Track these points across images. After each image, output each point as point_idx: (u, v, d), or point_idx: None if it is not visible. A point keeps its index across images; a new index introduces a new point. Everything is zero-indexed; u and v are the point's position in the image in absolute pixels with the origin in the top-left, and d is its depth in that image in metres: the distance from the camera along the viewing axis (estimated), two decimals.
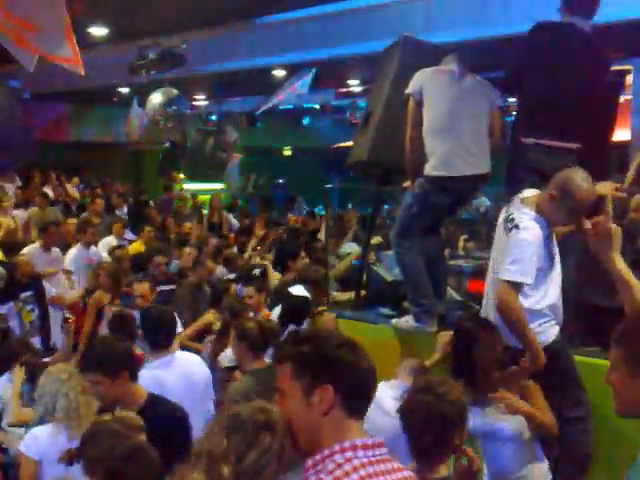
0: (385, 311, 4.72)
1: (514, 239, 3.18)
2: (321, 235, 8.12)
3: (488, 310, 3.42)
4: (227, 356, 4.50)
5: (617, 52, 5.81)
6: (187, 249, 7.00)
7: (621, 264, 2.28)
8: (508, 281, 3.12)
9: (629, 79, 7.45)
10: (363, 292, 5.08)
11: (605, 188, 3.62)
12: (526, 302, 3.20)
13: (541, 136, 3.94)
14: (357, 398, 1.62)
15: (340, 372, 1.58)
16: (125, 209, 10.95)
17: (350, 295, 5.25)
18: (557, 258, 3.37)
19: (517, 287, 3.13)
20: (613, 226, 2.30)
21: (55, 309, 6.15)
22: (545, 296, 3.28)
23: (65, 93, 13.96)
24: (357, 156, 4.80)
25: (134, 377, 3.07)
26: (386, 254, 5.22)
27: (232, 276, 6.46)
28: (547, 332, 3.29)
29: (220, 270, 6.77)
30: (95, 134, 17.01)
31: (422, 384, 2.54)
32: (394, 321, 4.42)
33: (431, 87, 4.11)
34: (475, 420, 3.00)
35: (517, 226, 3.18)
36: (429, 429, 2.35)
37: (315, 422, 1.58)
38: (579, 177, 3.19)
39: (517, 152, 4.06)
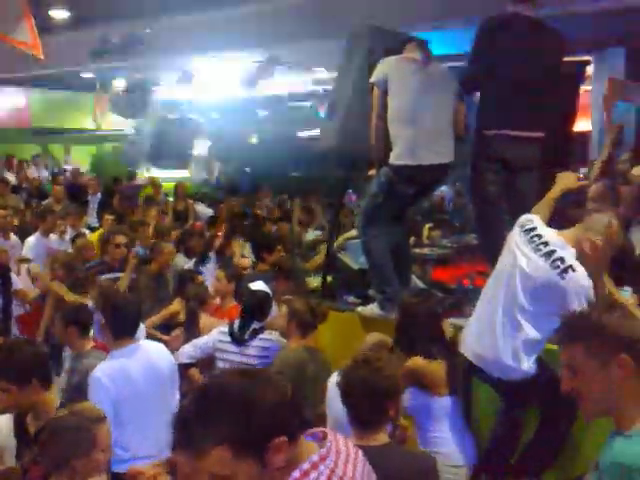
0: (351, 298, 4.75)
1: (575, 282, 3.08)
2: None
3: (477, 346, 3.32)
4: (186, 352, 4.48)
5: (580, 43, 5.88)
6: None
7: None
8: None
9: (589, 70, 7.58)
10: (329, 279, 5.10)
11: (567, 178, 3.70)
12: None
13: (504, 126, 4.00)
14: None
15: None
16: (99, 195, 10.77)
17: (317, 282, 5.27)
18: None
19: None
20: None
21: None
22: None
23: (27, 78, 13.65)
24: (324, 145, 4.80)
25: (46, 385, 2.85)
26: (352, 242, 5.24)
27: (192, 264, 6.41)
28: None
29: (182, 259, 6.67)
30: (57, 120, 16.68)
31: (360, 359, 2.67)
32: (359, 308, 4.46)
33: (395, 76, 4.13)
34: (411, 397, 3.33)
35: (573, 269, 3.09)
36: (365, 401, 2.49)
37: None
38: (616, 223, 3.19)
39: (480, 142, 4.11)
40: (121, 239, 5.83)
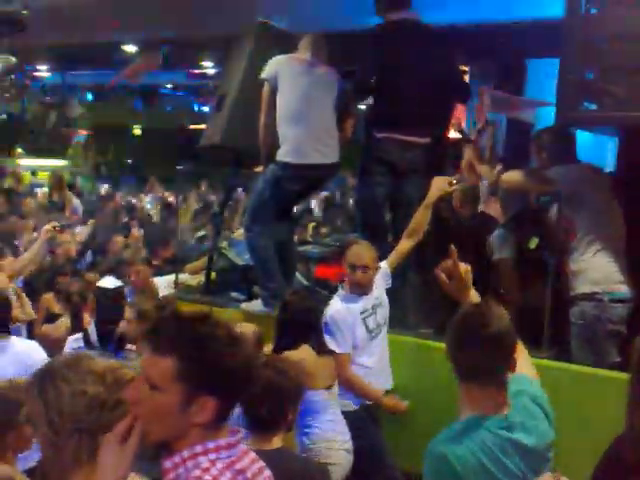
0: (235, 295, 4.74)
1: None
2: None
3: None
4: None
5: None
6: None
7: (477, 300, 2.21)
8: None
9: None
10: (213, 276, 5.07)
11: (439, 182, 3.90)
12: None
13: (393, 130, 4.14)
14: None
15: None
16: None
17: (200, 279, 5.22)
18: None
19: None
20: (463, 267, 2.20)
21: None
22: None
23: None
24: (210, 139, 4.76)
25: None
26: (237, 239, 5.23)
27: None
28: None
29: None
30: None
31: (263, 360, 2.67)
32: (243, 305, 4.47)
33: (285, 74, 4.17)
34: None
35: None
36: (266, 402, 2.45)
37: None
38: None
39: (370, 145, 4.24)
40: None
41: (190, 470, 1.46)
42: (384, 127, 4.18)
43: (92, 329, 3.98)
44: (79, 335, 4.04)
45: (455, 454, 1.83)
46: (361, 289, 3.65)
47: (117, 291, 4.12)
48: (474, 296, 2.22)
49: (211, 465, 1.47)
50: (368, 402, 3.66)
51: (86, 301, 4.86)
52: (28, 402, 1.78)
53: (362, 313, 3.64)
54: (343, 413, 3.51)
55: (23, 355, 3.52)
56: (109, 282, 4.17)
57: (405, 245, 3.90)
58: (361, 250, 3.65)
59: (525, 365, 2.12)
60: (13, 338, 3.68)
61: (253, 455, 1.61)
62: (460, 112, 5.77)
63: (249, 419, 2.48)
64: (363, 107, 5.16)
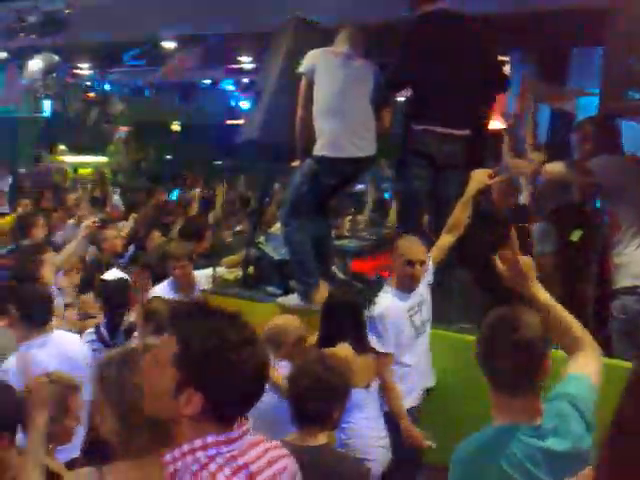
0: (271, 289, 4.75)
1: None
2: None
3: None
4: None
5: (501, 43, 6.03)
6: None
7: (543, 295, 2.07)
8: None
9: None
10: (250, 270, 5.08)
11: (479, 175, 3.84)
12: None
13: (430, 123, 4.09)
14: None
15: None
16: (10, 179, 10.26)
17: (237, 273, 5.24)
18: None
19: None
20: (524, 258, 2.06)
21: None
22: None
23: None
24: (248, 134, 4.77)
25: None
26: (274, 233, 5.23)
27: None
28: None
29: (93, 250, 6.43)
30: None
31: (314, 355, 2.65)
32: (280, 299, 4.47)
33: (322, 67, 4.15)
34: None
35: None
36: (313, 397, 2.43)
37: None
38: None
39: (408, 137, 4.20)
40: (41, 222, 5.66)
41: (189, 465, 1.46)
42: (422, 119, 4.13)
43: (103, 325, 4.10)
44: (92, 329, 4.15)
45: (480, 465, 1.77)
46: (414, 285, 3.58)
47: (121, 283, 4.18)
48: (539, 290, 2.06)
49: (210, 461, 1.47)
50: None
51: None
52: (92, 393, 1.83)
53: (409, 311, 3.59)
54: (387, 413, 3.49)
55: (66, 349, 3.58)
56: (113, 274, 4.24)
57: (446, 240, 3.84)
58: (415, 245, 3.59)
59: (587, 365, 1.97)
60: (56, 332, 3.74)
61: (262, 448, 1.59)
62: (501, 102, 5.65)
63: (294, 413, 2.48)
64: (402, 99, 5.10)
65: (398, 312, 3.55)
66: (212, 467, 1.46)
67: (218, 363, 1.45)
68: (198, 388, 1.45)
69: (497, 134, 5.15)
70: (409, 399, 3.60)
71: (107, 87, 14.27)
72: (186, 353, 1.46)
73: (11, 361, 3.22)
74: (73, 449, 2.99)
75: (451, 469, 1.85)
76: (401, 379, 3.57)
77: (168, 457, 1.49)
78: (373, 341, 3.50)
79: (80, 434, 2.95)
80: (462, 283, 4.22)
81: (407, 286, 3.59)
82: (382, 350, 3.50)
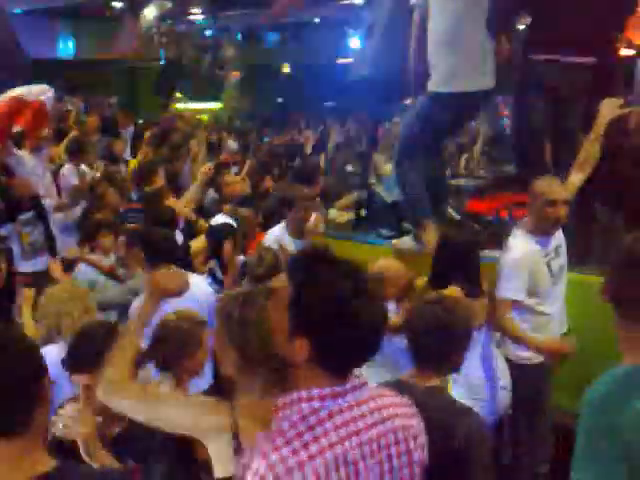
0: (385, 232, 4.70)
1: None
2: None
3: None
4: None
5: None
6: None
7: None
8: None
9: None
10: (362, 213, 5.04)
11: (610, 105, 3.54)
12: None
13: (552, 51, 3.80)
14: None
15: None
16: (132, 129, 10.65)
17: (349, 215, 5.22)
18: None
19: None
20: None
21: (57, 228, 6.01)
22: None
23: (57, 8, 13.49)
24: (358, 72, 4.66)
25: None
26: (386, 175, 5.15)
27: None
28: None
29: (212, 195, 6.57)
30: (89, 51, 16.52)
31: (433, 297, 2.57)
32: (394, 241, 4.41)
33: None
34: None
35: None
36: (433, 338, 2.36)
37: None
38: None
39: (527, 68, 3.93)
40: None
41: (292, 415, 1.48)
42: (543, 48, 3.84)
43: (216, 265, 4.28)
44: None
45: (613, 407, 1.63)
46: (555, 227, 3.40)
47: (226, 227, 4.29)
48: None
49: (311, 413, 1.48)
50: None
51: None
52: (217, 332, 1.89)
53: (546, 256, 3.41)
54: (521, 366, 3.40)
55: (192, 290, 3.71)
56: (219, 219, 4.38)
57: (575, 178, 3.59)
58: (554, 184, 3.38)
59: None
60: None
61: (376, 404, 1.56)
62: (632, 25, 5.17)
63: (412, 353, 2.44)
64: (521, 27, 4.77)
65: (536, 258, 3.38)
66: (312, 420, 1.47)
67: (328, 314, 1.46)
68: (307, 337, 1.47)
69: (627, 60, 4.73)
70: None
71: (218, 33, 14.45)
72: (298, 302, 1.48)
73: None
74: (201, 382, 3.12)
75: (581, 414, 1.74)
76: (540, 329, 3.42)
77: (279, 402, 1.52)
78: (501, 286, 3.37)
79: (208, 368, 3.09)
80: (585, 222, 3.96)
81: (547, 229, 3.40)
82: (508, 296, 3.35)
